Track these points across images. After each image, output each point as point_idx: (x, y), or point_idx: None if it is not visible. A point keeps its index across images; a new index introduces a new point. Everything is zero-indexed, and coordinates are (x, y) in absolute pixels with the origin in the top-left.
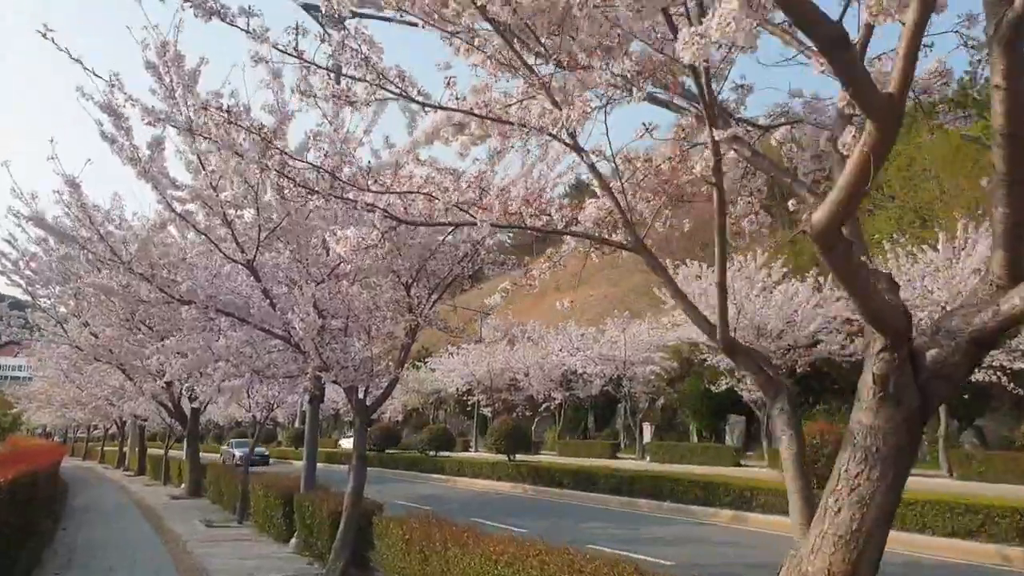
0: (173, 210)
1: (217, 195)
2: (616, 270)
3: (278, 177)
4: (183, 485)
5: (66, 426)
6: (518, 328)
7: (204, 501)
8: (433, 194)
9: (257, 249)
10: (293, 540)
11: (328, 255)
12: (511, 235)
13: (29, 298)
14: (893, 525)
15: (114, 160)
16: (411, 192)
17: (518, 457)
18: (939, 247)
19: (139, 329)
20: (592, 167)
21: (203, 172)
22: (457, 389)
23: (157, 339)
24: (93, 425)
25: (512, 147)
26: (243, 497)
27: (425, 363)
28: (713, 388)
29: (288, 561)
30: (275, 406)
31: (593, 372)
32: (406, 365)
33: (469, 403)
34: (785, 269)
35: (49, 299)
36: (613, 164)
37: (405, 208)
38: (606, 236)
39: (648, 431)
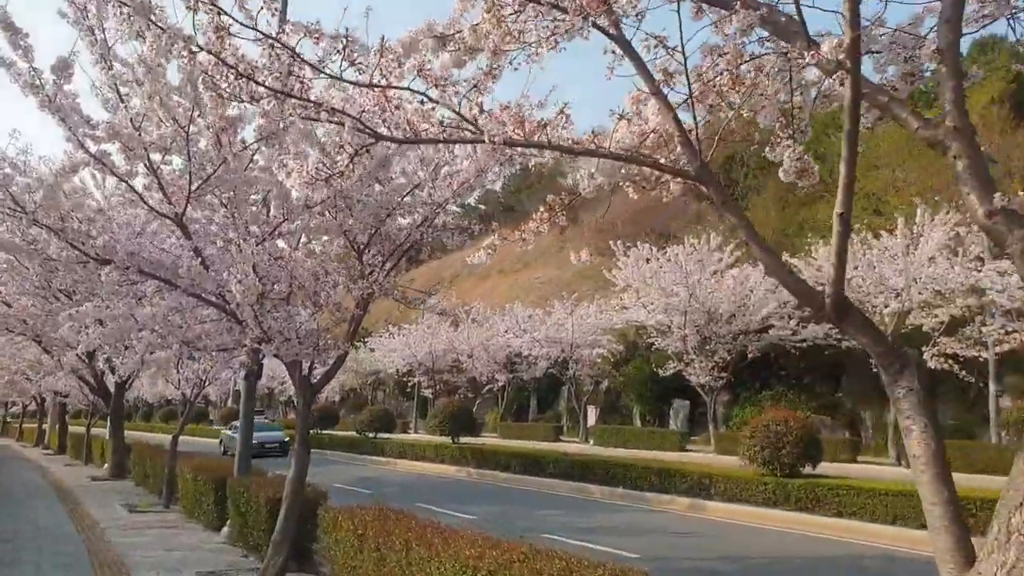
0: (86, 150)
1: (140, 135)
2: (562, 253)
3: (212, 65)
4: (106, 466)
5: None
6: (462, 309)
7: (128, 483)
8: (430, 94)
9: (187, 202)
10: (225, 529)
11: (269, 213)
12: (477, 199)
13: None
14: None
15: (16, 100)
16: (400, 88)
17: (462, 440)
18: (897, 233)
19: (56, 298)
20: (642, 66)
21: (123, 106)
22: (397, 370)
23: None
24: (11, 401)
25: (510, 62)
26: (170, 480)
27: (364, 343)
28: (661, 372)
29: (219, 552)
30: (207, 383)
31: (538, 354)
32: (356, 339)
33: (409, 384)
34: (738, 253)
35: None
36: (683, 58)
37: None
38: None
39: (592, 414)
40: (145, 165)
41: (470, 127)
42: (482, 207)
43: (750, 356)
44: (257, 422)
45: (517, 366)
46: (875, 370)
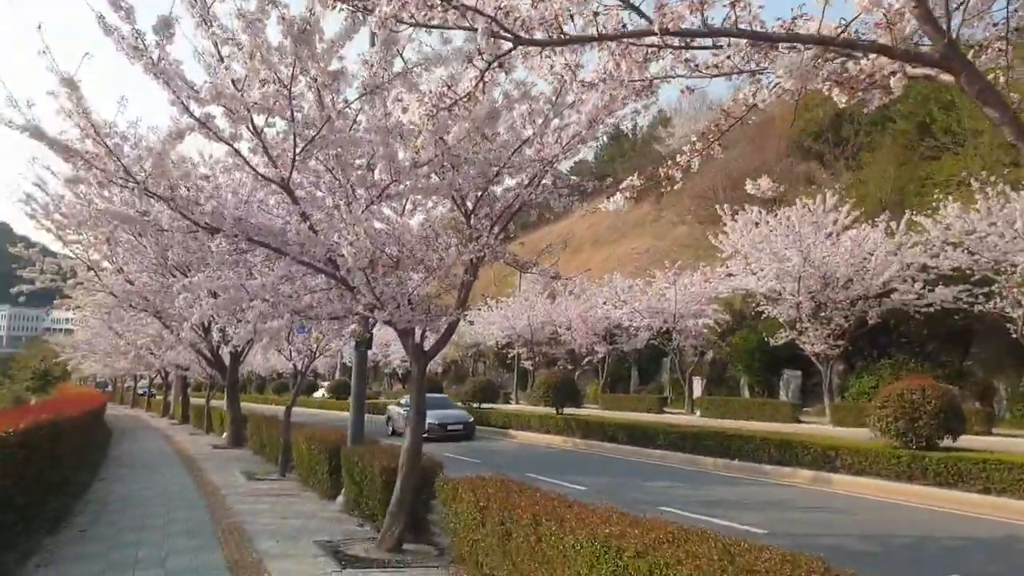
0: (191, 114)
1: (242, 95)
2: (658, 223)
3: None
4: (224, 435)
5: (114, 376)
6: (559, 282)
7: (246, 451)
8: None
9: (293, 165)
10: (340, 498)
11: (375, 174)
12: (569, 168)
13: (60, 244)
14: None
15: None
16: None
17: (566, 411)
18: None
19: (172, 275)
20: None
21: (224, 67)
22: (497, 342)
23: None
24: (139, 375)
25: None
26: (285, 449)
27: (465, 316)
28: (772, 341)
29: (335, 521)
30: (317, 354)
31: (640, 325)
32: (467, 305)
33: (509, 356)
34: (856, 213)
35: (81, 245)
36: None
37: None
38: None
39: (698, 385)
40: (248, 128)
41: (632, 15)
42: (574, 178)
43: (870, 323)
44: (433, 397)
45: (617, 337)
46: (1014, 335)
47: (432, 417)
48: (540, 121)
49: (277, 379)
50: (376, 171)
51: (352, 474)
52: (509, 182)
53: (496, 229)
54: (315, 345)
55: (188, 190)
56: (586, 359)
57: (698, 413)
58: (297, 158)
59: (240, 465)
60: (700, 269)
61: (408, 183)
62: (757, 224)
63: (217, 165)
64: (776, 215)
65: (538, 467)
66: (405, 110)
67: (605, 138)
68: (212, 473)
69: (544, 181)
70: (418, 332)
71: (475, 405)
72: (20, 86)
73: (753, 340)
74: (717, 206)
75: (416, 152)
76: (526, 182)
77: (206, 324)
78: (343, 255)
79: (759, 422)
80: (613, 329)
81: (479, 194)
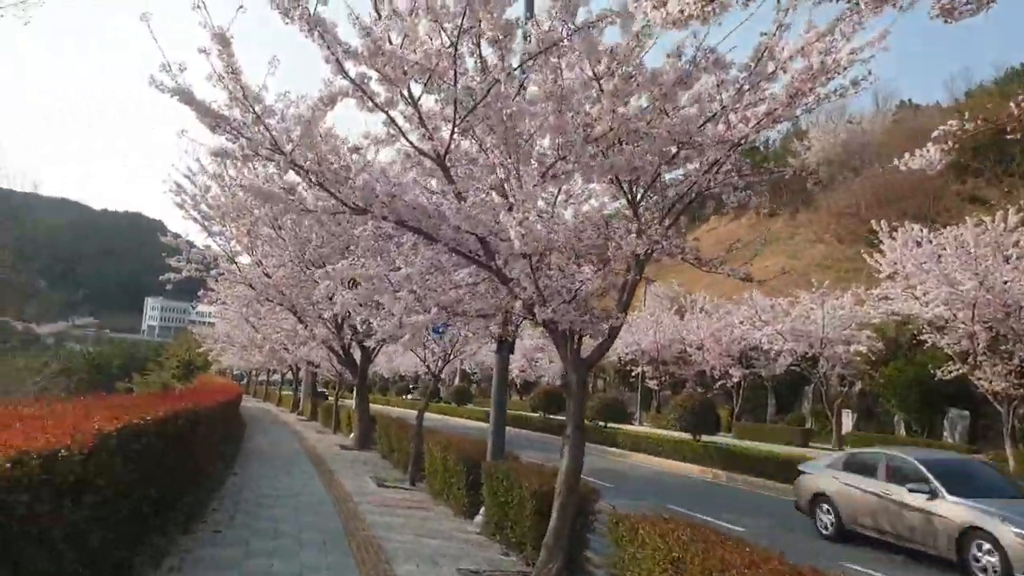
0: (345, 74)
1: (401, 53)
2: (793, 241)
3: None
4: (352, 435)
5: (249, 369)
6: (687, 298)
7: (373, 454)
8: None
9: (451, 137)
10: (478, 517)
11: (539, 150)
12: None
13: (205, 234)
14: None
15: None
16: None
17: (704, 438)
18: None
19: (309, 268)
20: None
21: (382, 21)
22: (619, 358)
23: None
24: (272, 369)
25: None
26: (416, 457)
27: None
28: (939, 374)
29: (476, 546)
30: (451, 356)
31: (780, 349)
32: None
33: (632, 374)
34: None
35: (224, 236)
36: None
37: None
38: None
39: (848, 420)
40: (403, 96)
41: None
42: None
43: None
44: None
45: (754, 361)
46: None
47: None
48: (730, 93)
49: (399, 381)
50: (540, 147)
51: (495, 493)
52: (688, 165)
53: (667, 222)
54: (451, 347)
55: (337, 164)
56: (719, 382)
57: (846, 450)
58: (456, 129)
59: (368, 469)
60: (852, 290)
61: (579, 161)
62: (919, 243)
63: (367, 140)
64: (941, 233)
65: (681, 499)
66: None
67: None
68: (342, 476)
69: (725, 167)
70: (574, 337)
71: (600, 424)
72: (175, 53)
73: (909, 372)
74: (872, 222)
75: (591, 125)
76: (705, 167)
77: (339, 320)
78: (507, 240)
79: None
80: (749, 352)
81: (649, 180)
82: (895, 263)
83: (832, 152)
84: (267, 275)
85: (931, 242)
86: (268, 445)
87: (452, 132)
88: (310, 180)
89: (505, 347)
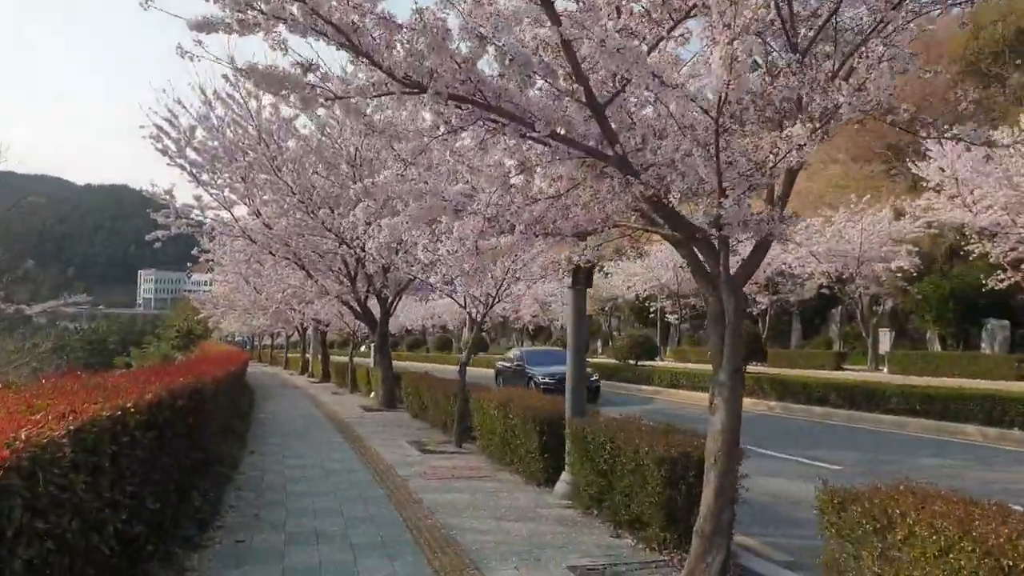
0: None
1: None
2: (849, 150)
3: None
4: (373, 395)
5: (252, 333)
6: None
7: (402, 415)
8: None
9: None
10: (561, 486)
11: None
12: None
13: (195, 183)
14: None
15: None
16: None
17: (749, 368)
18: None
19: (316, 214)
20: None
21: None
22: (637, 295)
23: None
24: (276, 332)
25: None
26: (461, 416)
27: (601, 268)
28: (990, 283)
29: (574, 526)
30: (496, 300)
31: (814, 271)
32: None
33: (651, 310)
34: None
35: (215, 184)
36: None
37: None
38: None
39: (886, 339)
40: None
41: None
42: None
43: None
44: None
45: (781, 286)
46: None
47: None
48: None
49: (407, 335)
50: None
51: (591, 459)
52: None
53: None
54: (496, 288)
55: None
56: (745, 310)
57: (884, 369)
58: None
59: (403, 432)
60: (891, 202)
61: None
62: (968, 150)
63: None
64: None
65: (752, 438)
66: None
67: None
68: (376, 444)
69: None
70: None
71: (632, 362)
72: None
73: (946, 287)
74: (919, 127)
75: None
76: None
77: (352, 272)
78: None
79: (972, 379)
80: (776, 277)
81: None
82: (943, 170)
83: None
84: (268, 226)
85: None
86: (283, 413)
87: None
88: (341, 42)
89: (581, 278)
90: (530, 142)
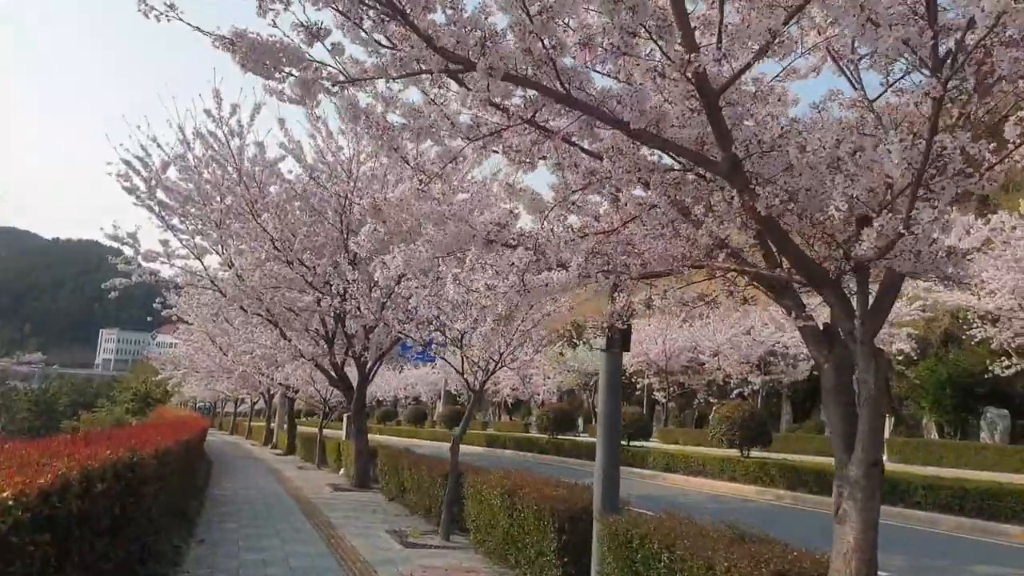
0: None
1: None
2: None
3: None
4: (343, 471)
5: (215, 399)
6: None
7: (377, 496)
8: None
9: None
10: None
11: None
12: None
13: (163, 227)
14: None
15: None
16: None
17: (753, 454)
18: None
19: (296, 262)
20: None
21: None
22: (624, 371)
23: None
24: (240, 398)
25: None
26: (450, 502)
27: (584, 341)
28: (996, 370)
29: None
30: (500, 365)
31: (807, 352)
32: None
33: (637, 387)
34: None
35: (185, 231)
36: None
37: None
38: None
39: (886, 425)
40: None
41: None
42: None
43: None
44: None
45: (772, 367)
46: None
47: None
48: None
49: (378, 407)
50: None
51: (638, 572)
52: None
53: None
54: (502, 350)
55: None
56: (735, 391)
57: (884, 457)
58: None
59: (380, 519)
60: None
61: None
62: (968, 231)
63: None
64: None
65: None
66: None
67: None
68: (349, 531)
69: None
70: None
71: (624, 443)
72: None
73: (942, 372)
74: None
75: None
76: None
77: (330, 333)
78: None
79: (976, 471)
80: (768, 357)
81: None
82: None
83: None
84: (239, 276)
85: (983, 226)
86: (243, 490)
87: None
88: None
89: (617, 342)
90: (583, 154)
